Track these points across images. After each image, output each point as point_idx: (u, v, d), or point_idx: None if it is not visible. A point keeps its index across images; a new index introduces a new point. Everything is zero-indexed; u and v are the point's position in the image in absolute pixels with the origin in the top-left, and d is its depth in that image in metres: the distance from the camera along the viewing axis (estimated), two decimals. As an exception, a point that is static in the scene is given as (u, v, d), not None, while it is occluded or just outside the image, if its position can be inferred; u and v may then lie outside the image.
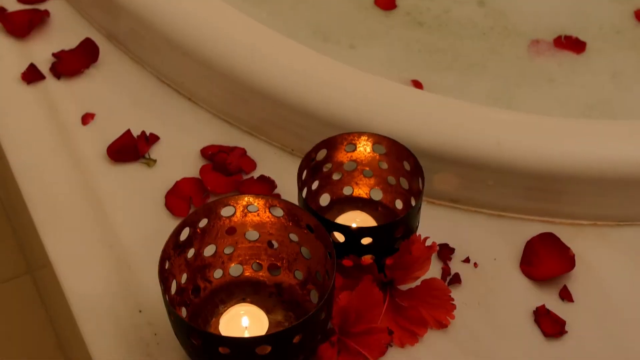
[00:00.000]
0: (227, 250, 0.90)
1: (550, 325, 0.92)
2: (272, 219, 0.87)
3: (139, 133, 1.08)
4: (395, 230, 0.87)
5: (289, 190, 1.03)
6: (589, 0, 1.43)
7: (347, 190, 1.00)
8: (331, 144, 0.94)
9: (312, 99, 1.04)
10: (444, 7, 1.39)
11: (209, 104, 1.14)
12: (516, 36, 1.36)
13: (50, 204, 1.04)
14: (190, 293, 0.88)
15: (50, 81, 1.17)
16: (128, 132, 1.08)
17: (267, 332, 0.87)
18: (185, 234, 0.84)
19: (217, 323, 0.88)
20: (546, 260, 0.98)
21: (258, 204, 0.86)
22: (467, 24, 1.38)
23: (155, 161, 1.07)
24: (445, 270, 0.97)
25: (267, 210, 0.87)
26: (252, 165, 1.07)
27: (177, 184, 1.03)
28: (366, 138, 0.94)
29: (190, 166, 1.06)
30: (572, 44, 1.33)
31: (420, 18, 1.38)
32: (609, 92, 1.28)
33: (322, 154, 0.94)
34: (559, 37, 1.34)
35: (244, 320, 0.87)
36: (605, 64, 1.32)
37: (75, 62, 1.18)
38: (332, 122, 1.02)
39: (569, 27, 1.37)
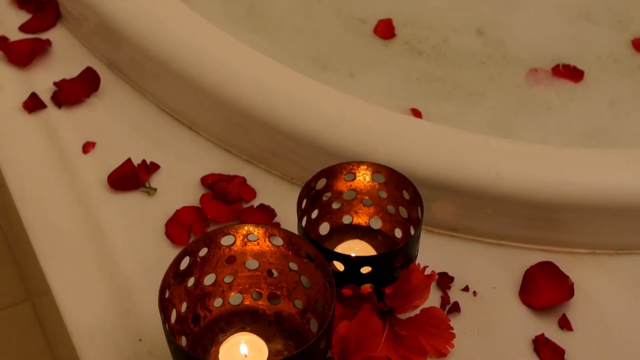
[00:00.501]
0: (227, 279, 0.90)
1: (549, 354, 0.92)
2: (272, 248, 0.87)
3: (139, 162, 1.09)
4: (395, 259, 0.88)
5: (288, 218, 1.03)
6: (586, 29, 1.44)
7: (346, 219, 1.00)
8: (331, 173, 0.94)
9: (312, 128, 1.04)
10: (443, 36, 1.40)
11: (209, 132, 1.14)
12: (514, 65, 1.37)
13: (50, 231, 1.04)
14: (190, 322, 0.88)
15: (51, 110, 1.17)
16: (129, 160, 1.09)
17: (266, 361, 0.87)
18: (185, 263, 0.84)
19: (217, 352, 0.88)
20: (545, 289, 0.98)
21: (258, 233, 0.87)
22: (466, 53, 1.38)
23: (155, 190, 1.08)
24: (445, 299, 0.97)
25: (267, 240, 0.87)
26: (252, 193, 1.07)
27: (177, 212, 1.04)
28: (365, 167, 0.94)
29: (190, 195, 1.07)
30: (570, 73, 1.34)
31: (419, 47, 1.39)
32: (607, 121, 1.29)
33: (321, 183, 0.94)
34: (557, 66, 1.35)
35: (243, 349, 0.88)
36: (603, 93, 1.33)
37: (76, 91, 1.18)
38: (331, 151, 1.02)
39: (567, 56, 1.38)
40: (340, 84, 1.29)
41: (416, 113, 1.24)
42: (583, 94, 1.33)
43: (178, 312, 0.85)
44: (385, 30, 1.40)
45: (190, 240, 1.01)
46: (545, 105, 1.31)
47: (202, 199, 1.06)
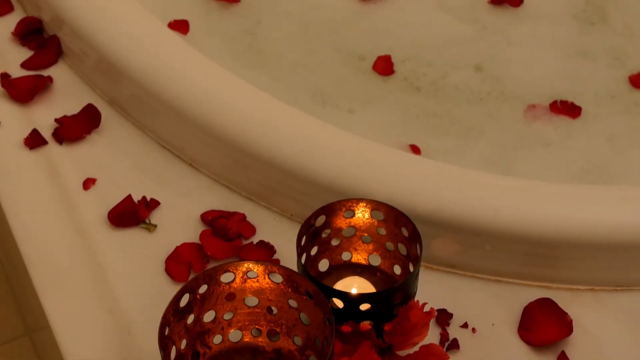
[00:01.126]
0: (227, 316, 0.90)
1: (548, 391, 0.93)
2: (272, 285, 0.88)
3: (139, 198, 1.09)
4: (394, 296, 0.88)
5: (288, 255, 1.04)
6: (584, 65, 1.45)
7: (345, 256, 1.00)
8: (330, 210, 0.94)
9: (311, 165, 1.05)
10: (441, 72, 1.41)
11: (209, 169, 1.15)
12: (513, 101, 1.38)
13: (50, 267, 1.05)
14: (190, 359, 0.88)
15: (52, 146, 1.18)
16: (129, 197, 1.09)
17: (266, 398, 0.87)
18: (185, 300, 0.84)
19: (217, 389, 0.88)
20: (544, 326, 0.99)
21: (257, 270, 0.87)
22: (464, 89, 1.39)
23: (155, 226, 1.08)
24: (444, 336, 0.97)
25: (266, 277, 0.87)
26: (252, 230, 1.07)
27: (177, 249, 1.04)
28: (364, 205, 0.95)
29: (190, 231, 1.07)
30: (568, 109, 1.35)
31: (417, 83, 1.40)
32: (605, 157, 1.30)
33: (321, 220, 0.95)
34: (555, 102, 1.36)
35: (243, 386, 0.88)
36: (601, 129, 1.34)
37: (77, 127, 1.19)
38: (330, 188, 1.03)
39: (564, 92, 1.39)
40: (339, 119, 1.30)
41: (415, 149, 1.25)
42: (581, 130, 1.34)
43: (178, 349, 0.85)
44: (384, 66, 1.41)
45: (190, 277, 1.01)
46: (543, 141, 1.32)
47: (202, 235, 1.06)
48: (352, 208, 0.96)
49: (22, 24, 1.32)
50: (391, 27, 1.48)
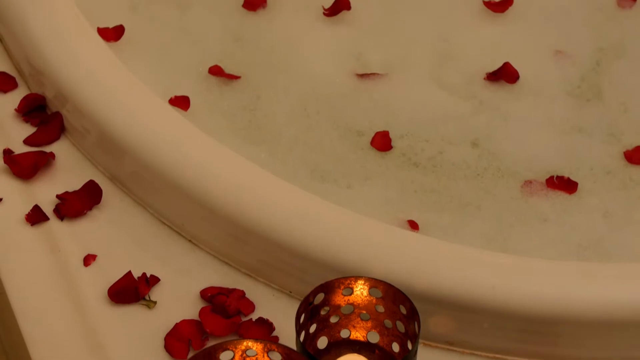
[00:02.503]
0: (226, 395, 0.90)
1: None
2: (271, 364, 0.88)
3: (139, 274, 1.10)
4: (392, 374, 0.88)
5: (287, 332, 1.04)
6: (579, 141, 1.46)
7: (344, 333, 1.01)
8: (328, 287, 0.95)
9: (310, 243, 1.06)
10: (439, 148, 1.43)
11: (209, 245, 1.16)
12: (509, 177, 1.39)
13: (50, 343, 1.05)
14: None
15: (53, 222, 1.19)
16: (129, 273, 1.10)
17: None
18: (184, 379, 0.85)
19: None
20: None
21: (256, 348, 0.87)
22: (462, 164, 1.41)
23: (155, 303, 1.09)
24: (443, 414, 0.97)
25: (265, 355, 0.87)
26: (251, 307, 1.08)
27: (177, 326, 1.05)
28: (363, 282, 0.96)
29: (189, 308, 1.08)
30: (565, 185, 1.36)
31: (415, 159, 1.41)
32: (601, 233, 1.30)
33: (319, 298, 0.95)
34: (551, 178, 1.37)
35: None
36: (597, 205, 1.35)
37: (78, 203, 1.20)
38: (329, 265, 1.04)
39: (560, 168, 1.40)
40: (338, 195, 1.31)
41: (413, 225, 1.25)
42: (577, 206, 1.35)
43: None
44: (382, 142, 1.42)
45: (190, 355, 1.01)
46: (540, 217, 1.32)
47: (202, 312, 1.06)
48: (350, 286, 0.96)
49: (25, 101, 1.34)
50: (389, 103, 1.50)
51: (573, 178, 1.37)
